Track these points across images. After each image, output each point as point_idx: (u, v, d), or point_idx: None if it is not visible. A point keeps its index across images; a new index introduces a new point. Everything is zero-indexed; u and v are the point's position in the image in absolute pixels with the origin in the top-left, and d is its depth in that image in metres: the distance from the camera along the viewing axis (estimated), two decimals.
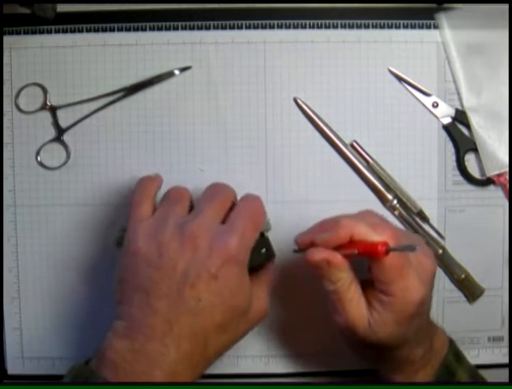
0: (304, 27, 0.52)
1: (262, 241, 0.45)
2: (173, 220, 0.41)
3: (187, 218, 0.41)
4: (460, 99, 0.52)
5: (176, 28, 0.52)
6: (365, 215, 0.43)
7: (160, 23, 0.52)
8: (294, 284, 0.53)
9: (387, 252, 0.38)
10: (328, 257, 0.40)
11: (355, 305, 0.41)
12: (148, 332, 0.39)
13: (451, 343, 0.46)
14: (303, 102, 0.52)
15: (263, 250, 0.45)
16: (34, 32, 0.52)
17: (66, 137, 0.53)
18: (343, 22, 0.52)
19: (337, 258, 0.40)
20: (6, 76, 0.52)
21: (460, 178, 0.53)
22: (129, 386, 0.38)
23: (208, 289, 0.39)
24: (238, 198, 0.45)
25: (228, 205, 0.43)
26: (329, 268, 0.40)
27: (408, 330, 0.41)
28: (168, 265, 0.39)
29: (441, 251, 0.52)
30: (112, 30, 0.52)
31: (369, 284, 0.42)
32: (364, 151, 0.52)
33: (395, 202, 0.52)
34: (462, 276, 0.53)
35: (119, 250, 0.48)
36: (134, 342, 0.39)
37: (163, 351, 0.38)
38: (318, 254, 0.40)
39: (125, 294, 0.41)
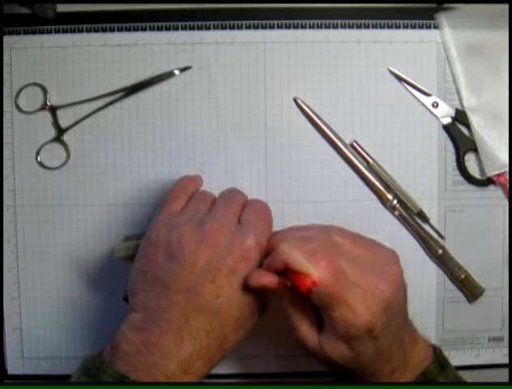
0: (304, 27, 0.52)
1: None
2: (196, 216, 0.42)
3: (208, 216, 0.42)
4: (460, 99, 0.52)
5: (176, 28, 0.52)
6: (311, 239, 0.41)
7: (160, 23, 0.52)
8: None
9: (310, 291, 0.38)
10: (264, 283, 0.40)
11: (305, 323, 0.41)
12: (164, 326, 0.39)
13: (435, 352, 0.44)
14: (303, 102, 0.52)
15: None
16: (34, 32, 0.52)
17: (66, 137, 0.53)
18: (343, 22, 0.52)
19: (273, 284, 0.40)
20: (6, 76, 0.52)
21: (460, 178, 0.53)
22: (128, 386, 0.38)
23: (228, 284, 0.40)
24: None
25: (242, 208, 0.44)
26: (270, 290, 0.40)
27: (362, 352, 0.40)
28: (189, 259, 0.40)
29: (441, 251, 0.52)
30: (112, 30, 0.52)
31: None
32: (364, 151, 0.52)
33: (395, 202, 0.52)
34: (463, 276, 0.53)
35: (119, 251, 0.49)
36: (149, 335, 0.39)
37: (178, 344, 0.39)
38: (255, 280, 0.40)
39: (144, 285, 0.41)
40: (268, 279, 0.40)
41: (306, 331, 0.41)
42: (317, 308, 0.41)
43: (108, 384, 0.37)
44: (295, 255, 0.39)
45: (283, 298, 0.41)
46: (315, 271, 0.39)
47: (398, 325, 0.42)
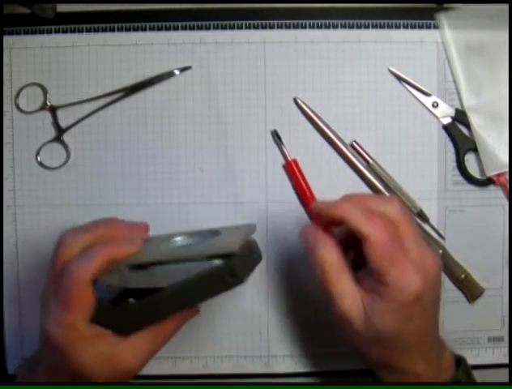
0: (304, 27, 0.52)
1: (251, 245, 0.44)
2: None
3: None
4: (460, 99, 0.52)
5: (176, 28, 0.52)
6: (374, 202, 0.42)
7: (160, 23, 0.52)
8: (293, 284, 0.53)
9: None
10: (314, 241, 0.41)
11: (348, 295, 0.40)
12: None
13: (461, 361, 0.45)
14: (303, 102, 0.52)
15: (255, 255, 0.44)
16: (34, 32, 0.52)
17: (66, 137, 0.53)
18: (343, 22, 0.52)
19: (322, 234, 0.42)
20: (6, 76, 0.52)
21: (460, 178, 0.53)
22: (129, 387, 0.38)
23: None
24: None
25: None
26: (315, 246, 0.41)
27: (407, 326, 0.40)
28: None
29: (441, 251, 0.52)
30: (112, 30, 0.52)
31: (366, 275, 0.41)
32: (364, 151, 0.53)
33: None
34: (463, 276, 0.53)
35: None
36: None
37: None
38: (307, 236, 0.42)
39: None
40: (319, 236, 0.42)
41: (350, 304, 0.40)
42: (361, 280, 0.41)
43: (110, 384, 0.37)
44: (356, 213, 0.40)
45: (326, 270, 0.41)
46: (372, 231, 0.39)
47: (436, 313, 0.42)
